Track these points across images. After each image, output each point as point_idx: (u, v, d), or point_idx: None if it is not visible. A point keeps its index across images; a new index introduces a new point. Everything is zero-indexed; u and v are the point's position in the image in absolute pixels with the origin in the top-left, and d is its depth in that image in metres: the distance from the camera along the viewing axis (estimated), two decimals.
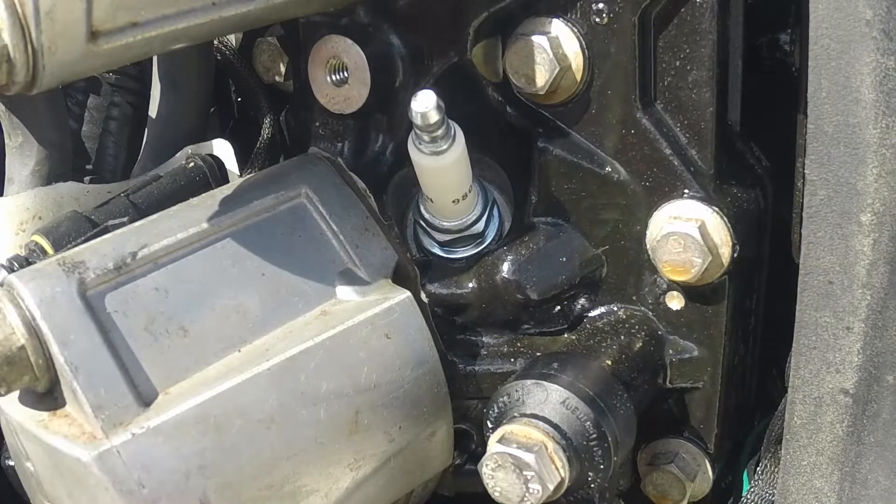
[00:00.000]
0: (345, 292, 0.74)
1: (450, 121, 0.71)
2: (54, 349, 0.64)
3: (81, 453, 0.63)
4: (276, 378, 0.68)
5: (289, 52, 0.89)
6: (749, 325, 0.82)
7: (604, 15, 0.71)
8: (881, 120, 0.57)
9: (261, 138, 0.92)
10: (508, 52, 0.74)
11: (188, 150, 0.90)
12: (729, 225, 0.73)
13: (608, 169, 0.76)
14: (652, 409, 0.80)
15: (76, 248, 0.70)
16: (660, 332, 0.79)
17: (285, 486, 0.69)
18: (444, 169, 0.74)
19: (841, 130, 0.59)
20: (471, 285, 0.79)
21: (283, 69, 0.91)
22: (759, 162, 0.79)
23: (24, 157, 0.85)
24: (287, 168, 0.79)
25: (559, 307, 0.81)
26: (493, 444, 0.71)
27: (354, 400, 0.71)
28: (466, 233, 0.80)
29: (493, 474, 0.70)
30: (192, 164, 0.85)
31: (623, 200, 0.76)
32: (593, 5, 0.71)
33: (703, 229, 0.73)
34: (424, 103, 0.69)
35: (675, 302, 0.78)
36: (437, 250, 0.82)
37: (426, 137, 0.71)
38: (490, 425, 0.74)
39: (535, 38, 0.72)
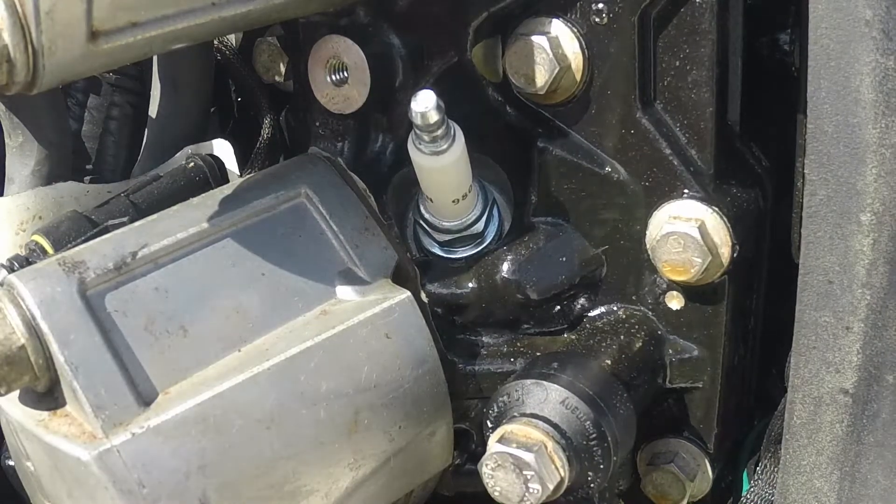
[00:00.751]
0: (345, 292, 0.74)
1: (450, 121, 0.71)
2: (54, 349, 0.64)
3: (81, 453, 0.63)
4: (276, 378, 0.68)
5: (289, 52, 0.89)
6: (749, 325, 0.82)
7: (603, 15, 0.71)
8: (881, 120, 0.57)
9: (261, 138, 0.92)
10: (508, 52, 0.74)
11: (188, 149, 0.90)
12: (728, 225, 0.73)
13: (608, 169, 0.76)
14: (652, 409, 0.80)
15: (76, 248, 0.70)
16: (659, 332, 0.79)
17: (285, 486, 0.69)
18: (443, 169, 0.74)
19: (841, 130, 0.59)
20: (471, 285, 0.79)
21: (283, 69, 0.91)
22: (758, 162, 0.79)
23: (24, 157, 0.85)
24: (287, 168, 0.79)
25: (559, 307, 0.81)
26: (492, 444, 0.71)
27: (354, 400, 0.71)
28: (466, 233, 0.80)
29: (493, 474, 0.70)
30: (192, 164, 0.85)
31: (623, 200, 0.76)
32: (593, 5, 0.71)
33: (702, 229, 0.73)
34: (424, 103, 0.69)
35: (675, 302, 0.78)
36: (436, 250, 0.82)
37: (426, 137, 0.71)
38: (490, 425, 0.74)
39: (535, 38, 0.72)
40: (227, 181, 0.86)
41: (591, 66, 0.73)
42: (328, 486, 0.72)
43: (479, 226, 0.80)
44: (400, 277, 0.76)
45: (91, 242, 0.71)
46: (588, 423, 0.71)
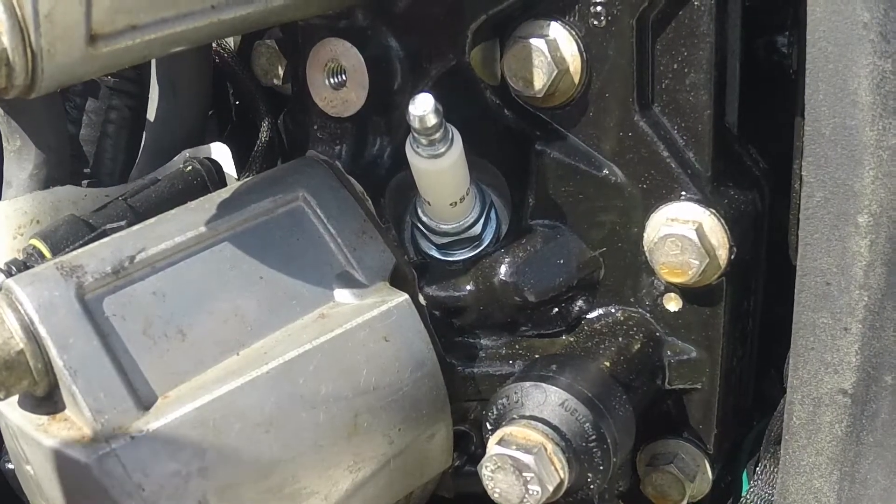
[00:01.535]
0: (343, 295, 0.74)
1: (447, 124, 0.71)
2: (53, 353, 0.64)
3: (81, 456, 0.63)
4: (275, 381, 0.68)
5: (287, 55, 0.89)
6: (747, 326, 0.82)
7: (602, 18, 0.71)
8: (878, 122, 0.58)
9: (259, 141, 0.92)
10: (506, 54, 0.74)
11: (186, 153, 0.90)
12: (726, 227, 0.73)
13: (606, 171, 0.76)
14: (651, 411, 0.80)
15: (74, 252, 0.70)
16: (658, 334, 0.79)
17: (284, 489, 0.69)
18: (441, 172, 0.74)
19: (838, 132, 0.59)
20: (469, 288, 0.79)
21: (281, 72, 0.91)
22: (756, 164, 0.79)
23: (21, 161, 0.85)
24: (285, 171, 0.79)
25: (557, 309, 0.81)
26: (492, 446, 0.71)
27: (353, 402, 0.71)
28: (464, 235, 0.80)
29: (493, 476, 0.70)
30: (189, 168, 0.85)
31: (620, 203, 0.76)
32: (591, 8, 0.71)
33: (700, 231, 0.73)
34: (422, 106, 0.69)
35: (673, 304, 0.78)
36: (434, 253, 0.82)
37: (424, 140, 0.71)
38: (489, 427, 0.74)
39: (534, 41, 0.72)
40: (225, 185, 0.86)
41: (589, 68, 0.73)
42: (327, 489, 0.72)
43: (477, 228, 0.80)
44: (398, 280, 0.76)
45: (89, 246, 0.71)
46: (587, 424, 0.71)
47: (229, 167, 0.90)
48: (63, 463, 0.65)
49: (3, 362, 0.64)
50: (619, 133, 0.74)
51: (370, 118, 0.81)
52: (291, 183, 0.76)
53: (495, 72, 0.77)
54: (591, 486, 0.72)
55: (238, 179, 0.89)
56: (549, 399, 0.72)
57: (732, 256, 0.74)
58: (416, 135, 0.71)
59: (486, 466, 0.70)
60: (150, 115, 0.91)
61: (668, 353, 0.79)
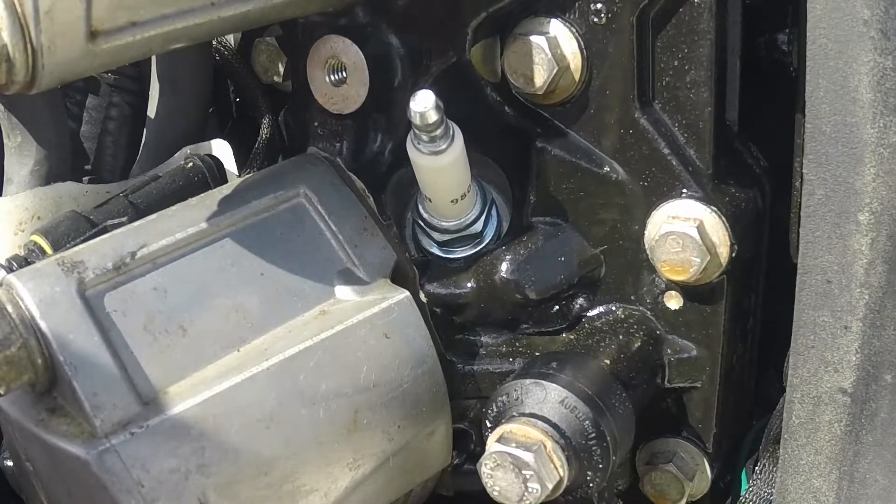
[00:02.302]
0: (343, 292, 0.74)
1: (448, 121, 0.71)
2: (53, 349, 0.64)
3: (80, 452, 0.63)
4: (275, 377, 0.68)
5: (287, 53, 0.89)
6: (747, 324, 0.82)
7: (602, 15, 0.71)
8: (879, 119, 0.58)
9: (259, 138, 0.92)
10: (507, 52, 0.74)
11: (187, 150, 0.90)
12: (727, 224, 0.73)
13: (606, 169, 0.76)
14: (650, 409, 0.80)
15: (75, 248, 0.70)
16: (658, 332, 0.79)
17: (284, 485, 0.69)
18: (442, 169, 0.74)
19: (839, 130, 0.59)
20: (469, 285, 0.79)
21: (281, 69, 0.91)
22: (757, 161, 0.79)
23: (22, 157, 0.85)
24: (286, 168, 0.79)
25: (558, 307, 0.81)
26: (491, 444, 0.71)
27: (353, 399, 0.71)
28: (465, 232, 0.80)
29: (492, 473, 0.70)
30: (190, 164, 0.85)
31: (621, 200, 0.76)
32: (591, 5, 0.71)
33: (701, 229, 0.73)
34: (423, 103, 0.69)
35: (674, 301, 0.78)
36: (435, 250, 0.82)
37: (425, 137, 0.71)
38: (489, 425, 0.74)
39: (534, 38, 0.72)
40: (226, 181, 0.86)
41: (589, 65, 0.73)
42: (327, 486, 0.72)
43: (478, 226, 0.80)
44: (399, 277, 0.77)
45: (90, 242, 0.71)
46: (587, 422, 0.71)
47: (230, 164, 0.90)
48: (62, 458, 0.65)
49: (3, 358, 0.64)
50: (620, 130, 0.74)
51: (371, 115, 0.81)
52: (292, 180, 0.77)
53: (496, 69, 0.77)
54: (591, 485, 0.72)
55: (239, 176, 0.89)
56: (548, 397, 0.72)
57: (733, 254, 0.73)
58: (417, 131, 0.71)
59: (486, 464, 0.70)
60: (151, 111, 0.91)
61: (669, 351, 0.79)
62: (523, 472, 0.69)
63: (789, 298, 0.66)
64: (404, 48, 0.78)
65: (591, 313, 0.81)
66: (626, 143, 0.75)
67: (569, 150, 0.77)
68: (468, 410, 0.81)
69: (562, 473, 0.70)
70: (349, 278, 0.75)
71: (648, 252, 0.75)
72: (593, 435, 0.71)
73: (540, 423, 0.71)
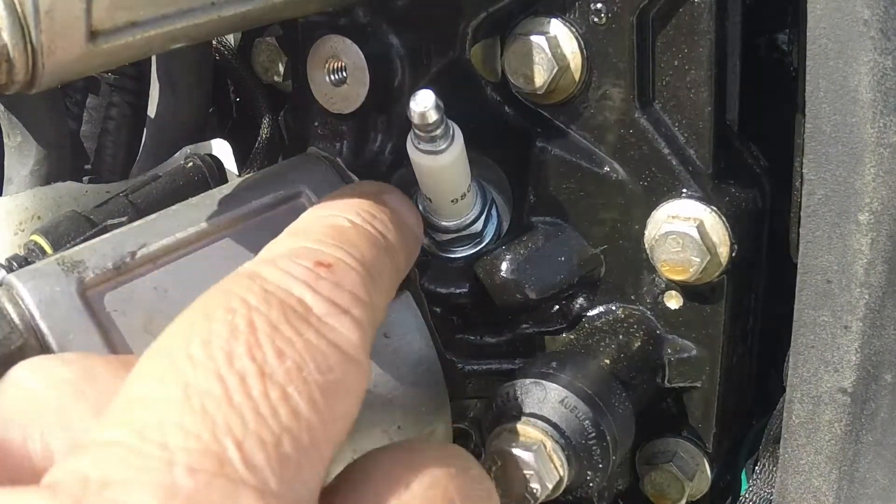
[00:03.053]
0: None
1: (448, 120, 0.71)
2: (53, 348, 0.64)
3: None
4: None
5: (287, 52, 0.89)
6: (747, 324, 0.82)
7: (602, 15, 0.71)
8: (879, 119, 0.58)
9: (259, 138, 0.92)
10: (507, 51, 0.74)
11: (187, 149, 0.90)
12: (727, 224, 0.73)
13: (606, 168, 0.76)
14: (650, 409, 0.80)
15: (75, 248, 0.70)
16: (658, 332, 0.79)
17: None
18: (442, 168, 0.74)
19: (839, 130, 0.59)
20: (469, 285, 0.79)
21: (281, 69, 0.91)
22: (757, 161, 0.79)
23: (22, 157, 0.85)
24: (286, 168, 0.79)
25: (558, 307, 0.81)
26: (491, 444, 0.71)
27: None
28: (465, 232, 0.80)
29: (492, 473, 0.70)
30: (190, 164, 0.85)
31: (621, 200, 0.76)
32: (591, 5, 0.71)
33: (701, 228, 0.73)
34: (423, 103, 0.69)
35: (674, 301, 0.78)
36: (435, 250, 0.82)
37: (425, 137, 0.71)
38: (489, 424, 0.74)
39: (534, 38, 0.72)
40: (226, 181, 0.86)
41: (589, 65, 0.73)
42: None
43: (478, 225, 0.80)
44: None
45: (90, 242, 0.71)
46: (587, 422, 0.71)
47: (230, 163, 0.90)
48: None
49: (3, 357, 0.64)
50: (620, 130, 0.74)
51: (371, 115, 0.81)
52: (292, 179, 0.76)
53: (496, 69, 0.77)
54: (591, 484, 0.72)
55: (239, 176, 0.89)
56: (548, 396, 0.72)
57: (733, 254, 0.73)
58: (416, 131, 0.71)
59: (486, 464, 0.70)
60: (151, 111, 0.91)
61: (669, 350, 0.79)
62: (523, 471, 0.69)
63: (789, 298, 0.66)
64: (404, 48, 0.78)
65: (591, 313, 0.81)
66: (626, 143, 0.75)
67: (569, 150, 0.77)
68: (468, 410, 0.81)
69: (562, 473, 0.69)
70: None
71: (648, 252, 0.75)
72: (593, 435, 0.71)
73: (540, 422, 0.71)
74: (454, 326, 0.81)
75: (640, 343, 0.78)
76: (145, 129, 0.93)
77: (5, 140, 0.86)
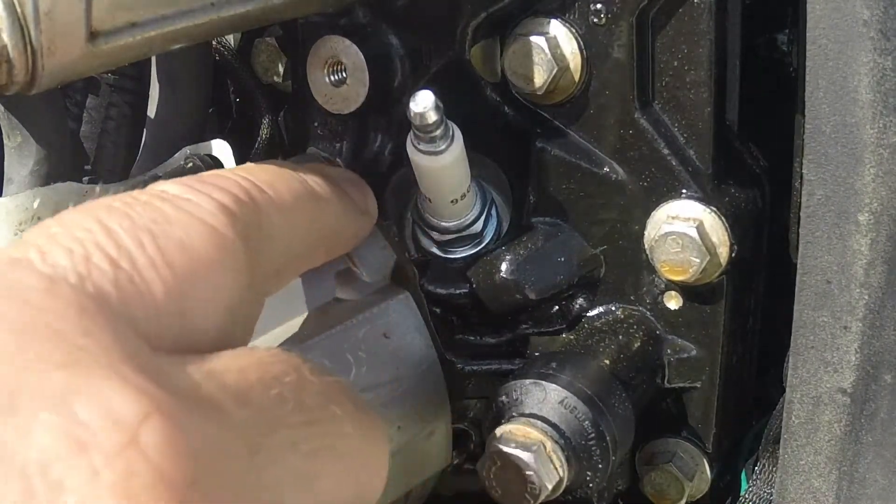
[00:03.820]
0: (343, 292, 0.74)
1: (448, 121, 0.71)
2: None
3: None
4: None
5: (287, 53, 0.89)
6: (747, 324, 0.82)
7: (602, 15, 0.71)
8: (878, 120, 0.58)
9: (259, 138, 0.92)
10: (507, 52, 0.74)
11: (187, 150, 0.90)
12: (727, 225, 0.73)
13: (606, 169, 0.76)
14: (650, 409, 0.80)
15: None
16: (658, 332, 0.79)
17: None
18: (442, 169, 0.74)
19: (838, 130, 0.59)
20: (469, 285, 0.79)
21: (281, 69, 0.91)
22: (756, 162, 0.79)
23: (22, 158, 0.85)
24: None
25: (557, 307, 0.81)
26: (491, 444, 0.71)
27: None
28: (465, 233, 0.80)
29: (492, 474, 0.70)
30: (190, 165, 0.85)
31: (621, 200, 0.76)
32: (591, 6, 0.71)
33: (700, 229, 0.73)
34: (423, 103, 0.69)
35: (674, 302, 0.78)
36: (435, 250, 0.82)
37: (424, 137, 0.71)
38: (488, 425, 0.74)
39: (534, 39, 0.73)
40: None
41: (589, 66, 0.73)
42: None
43: (478, 226, 0.80)
44: (398, 277, 0.76)
45: None
46: (587, 422, 0.71)
47: (230, 164, 0.90)
48: None
49: None
50: (620, 130, 0.74)
51: (371, 115, 0.81)
52: None
53: (495, 69, 0.77)
54: (591, 485, 0.72)
55: None
56: (548, 397, 0.72)
57: (733, 254, 0.73)
58: (416, 132, 0.71)
59: (486, 464, 0.70)
60: (151, 112, 0.91)
61: (668, 351, 0.79)
62: (523, 472, 0.69)
63: (789, 298, 0.66)
64: (404, 49, 0.78)
65: (591, 313, 0.81)
66: (626, 143, 0.75)
67: (569, 150, 0.77)
68: (468, 410, 0.81)
69: (561, 473, 0.69)
70: (349, 278, 0.75)
71: (648, 252, 0.75)
72: (593, 435, 0.71)
73: (540, 423, 0.71)
74: (454, 326, 0.81)
75: (639, 343, 0.78)
76: (145, 130, 0.92)
77: (5, 140, 0.86)
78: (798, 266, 0.64)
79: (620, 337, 0.78)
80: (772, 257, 0.81)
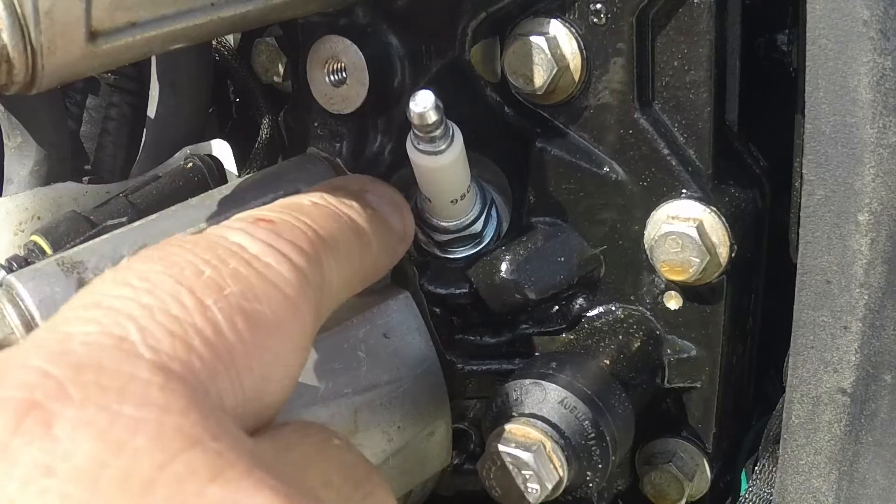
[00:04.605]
0: None
1: (448, 121, 0.71)
2: None
3: None
4: None
5: (287, 53, 0.89)
6: (747, 324, 0.82)
7: (601, 15, 0.71)
8: (878, 120, 0.58)
9: (259, 138, 0.92)
10: (507, 52, 0.74)
11: (187, 150, 0.90)
12: (727, 225, 0.73)
13: (606, 169, 0.76)
14: (650, 409, 0.80)
15: (75, 248, 0.70)
16: (658, 332, 0.79)
17: None
18: (442, 169, 0.74)
19: (838, 130, 0.59)
20: (469, 285, 0.79)
21: (281, 70, 0.91)
22: (756, 162, 0.79)
23: (22, 158, 0.85)
24: (285, 168, 0.79)
25: (557, 307, 0.81)
26: (491, 444, 0.71)
27: (353, 400, 0.71)
28: (465, 233, 0.80)
29: (492, 474, 0.70)
30: (190, 165, 0.85)
31: (621, 200, 0.76)
32: (591, 6, 0.71)
33: (700, 229, 0.73)
34: (423, 103, 0.69)
35: (674, 302, 0.78)
36: (435, 250, 0.82)
37: (424, 137, 0.71)
38: (488, 425, 0.74)
39: (534, 39, 0.73)
40: (226, 181, 0.86)
41: (589, 66, 0.73)
42: None
43: (478, 226, 0.80)
44: (399, 277, 0.76)
45: (90, 243, 0.71)
46: (587, 422, 0.71)
47: (230, 164, 0.90)
48: None
49: None
50: (620, 130, 0.74)
51: (370, 115, 0.81)
52: (292, 180, 0.76)
53: (495, 69, 0.77)
54: (590, 485, 0.72)
55: (239, 176, 0.89)
56: (548, 397, 0.72)
57: (733, 254, 0.73)
58: (416, 132, 0.71)
59: (486, 464, 0.71)
60: (151, 112, 0.91)
61: (668, 351, 0.79)
62: (523, 472, 0.69)
63: (789, 298, 0.66)
64: (404, 49, 0.78)
65: (591, 313, 0.81)
66: (626, 143, 0.75)
67: (568, 150, 0.77)
68: (468, 410, 0.81)
69: (561, 473, 0.70)
70: None
71: (648, 252, 0.75)
72: (593, 435, 0.71)
73: (539, 423, 0.71)
74: (454, 326, 0.81)
75: (639, 343, 0.78)
76: (145, 130, 0.92)
77: (5, 140, 0.86)
78: (798, 266, 0.64)
79: (620, 337, 0.79)
80: (772, 257, 0.81)
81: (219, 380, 0.45)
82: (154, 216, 0.74)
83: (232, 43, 0.95)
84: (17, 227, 0.84)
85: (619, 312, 0.80)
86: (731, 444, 0.86)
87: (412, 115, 0.69)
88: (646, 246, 0.76)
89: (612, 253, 0.79)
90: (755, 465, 0.82)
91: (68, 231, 0.77)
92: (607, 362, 0.76)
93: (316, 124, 0.83)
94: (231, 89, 1.03)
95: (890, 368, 0.63)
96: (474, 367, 0.80)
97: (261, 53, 0.92)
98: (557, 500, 0.74)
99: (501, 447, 0.70)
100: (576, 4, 0.72)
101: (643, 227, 0.76)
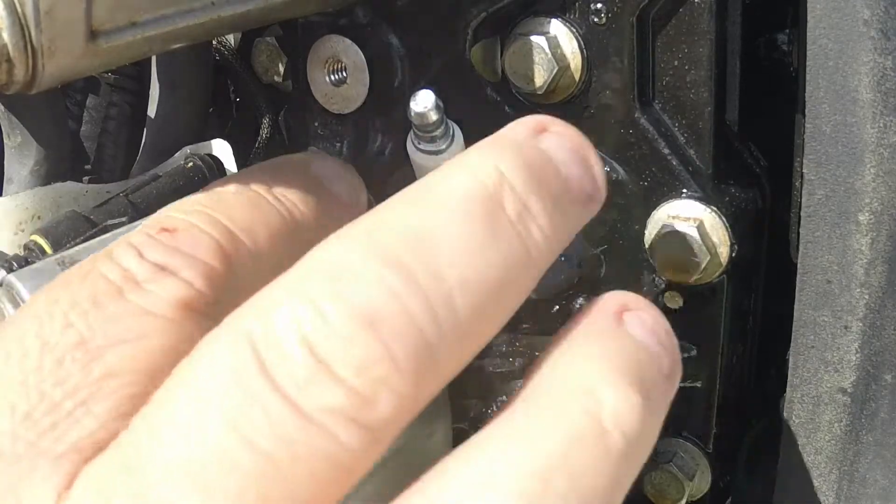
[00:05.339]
0: None
1: (448, 120, 0.71)
2: None
3: None
4: None
5: (287, 53, 0.89)
6: (747, 324, 0.82)
7: (602, 15, 0.71)
8: (879, 119, 0.58)
9: (259, 138, 0.92)
10: (507, 51, 0.74)
11: (187, 150, 0.90)
12: (727, 224, 0.73)
13: (606, 169, 0.76)
14: None
15: (75, 248, 0.70)
16: None
17: None
18: None
19: (839, 130, 0.59)
20: None
21: (281, 69, 0.91)
22: (757, 162, 0.79)
23: (22, 157, 0.85)
24: None
25: (558, 307, 0.81)
26: None
27: None
28: None
29: None
30: (190, 164, 0.85)
31: (621, 200, 0.76)
32: (591, 5, 0.71)
33: (701, 229, 0.73)
34: (423, 103, 0.69)
35: (674, 302, 0.78)
36: None
37: (425, 137, 0.71)
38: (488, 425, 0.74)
39: (534, 38, 0.72)
40: None
41: (589, 65, 0.73)
42: None
43: None
44: None
45: (90, 242, 0.71)
46: None
47: (230, 164, 0.90)
48: None
49: None
50: (620, 130, 0.74)
51: (371, 115, 0.81)
52: None
53: (496, 69, 0.76)
54: None
55: None
56: None
57: (733, 254, 0.73)
58: (417, 131, 0.71)
59: None
60: (151, 111, 0.91)
61: None
62: None
63: (789, 298, 0.66)
64: (404, 48, 0.78)
65: None
66: (626, 143, 0.75)
67: None
68: (468, 410, 0.81)
69: None
70: None
71: (648, 252, 0.75)
72: None
73: None
74: None
75: None
76: (145, 130, 0.92)
77: (5, 140, 0.86)
78: (798, 266, 0.64)
79: None
80: (772, 257, 0.81)
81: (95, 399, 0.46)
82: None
83: (232, 43, 0.95)
84: (17, 227, 0.84)
85: None
86: (732, 445, 0.86)
87: (413, 114, 0.69)
88: (646, 246, 0.76)
89: (612, 252, 0.79)
90: (755, 465, 0.82)
91: (68, 231, 0.77)
92: None
93: (316, 124, 0.83)
94: (231, 89, 1.02)
95: (890, 368, 0.63)
96: (474, 367, 0.80)
97: (261, 53, 0.92)
98: None
99: None
100: (576, 4, 0.71)
101: (643, 226, 0.76)
